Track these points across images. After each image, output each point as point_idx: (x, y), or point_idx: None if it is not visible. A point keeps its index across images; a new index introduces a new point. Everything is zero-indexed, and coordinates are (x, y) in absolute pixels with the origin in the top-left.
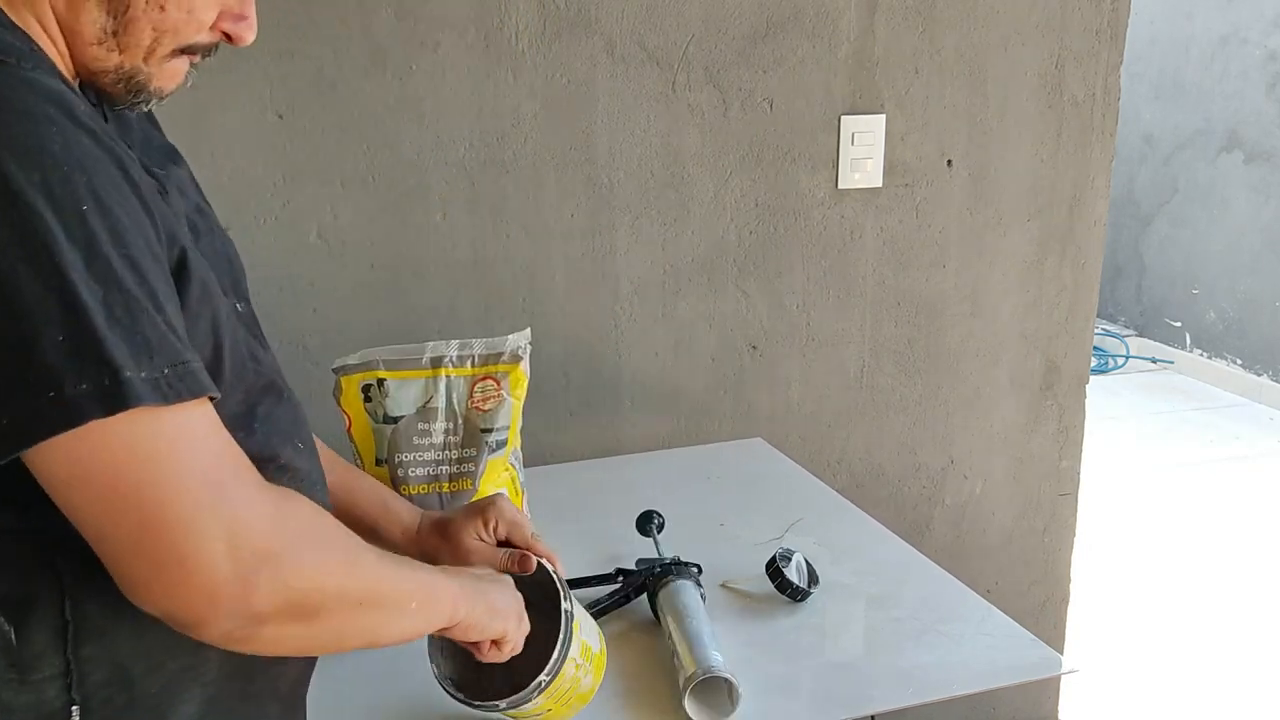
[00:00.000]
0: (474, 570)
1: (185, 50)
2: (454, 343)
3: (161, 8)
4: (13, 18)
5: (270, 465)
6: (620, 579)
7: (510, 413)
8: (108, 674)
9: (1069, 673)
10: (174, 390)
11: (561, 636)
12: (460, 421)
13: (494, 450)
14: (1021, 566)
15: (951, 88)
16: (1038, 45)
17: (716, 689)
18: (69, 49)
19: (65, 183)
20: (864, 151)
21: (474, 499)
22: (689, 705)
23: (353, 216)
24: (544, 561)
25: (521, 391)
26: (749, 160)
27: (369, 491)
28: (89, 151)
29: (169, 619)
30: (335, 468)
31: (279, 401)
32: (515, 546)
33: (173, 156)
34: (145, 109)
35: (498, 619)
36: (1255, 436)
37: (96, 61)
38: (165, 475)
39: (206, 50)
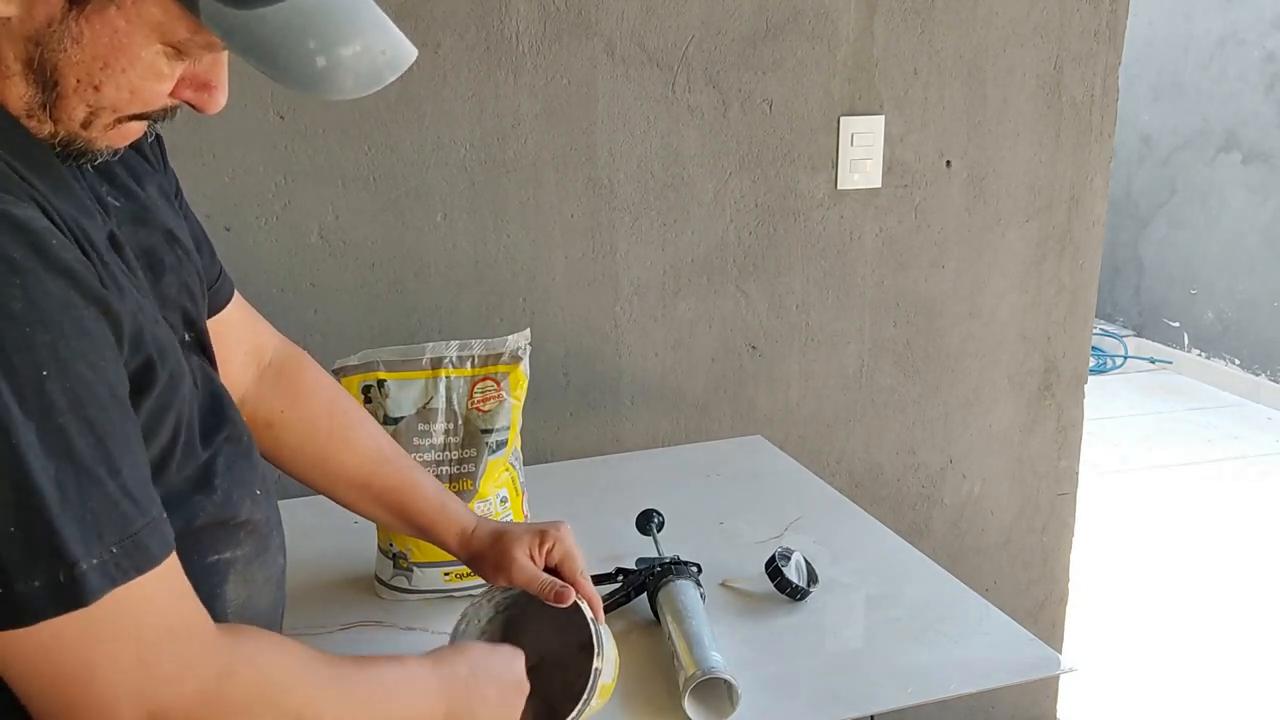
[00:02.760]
0: (471, 655)
1: (135, 118)
2: (454, 343)
3: (96, 88)
4: None
5: (230, 525)
6: (620, 578)
7: (510, 413)
8: None
9: (1067, 672)
10: (121, 570)
11: (585, 695)
12: (460, 422)
13: (494, 451)
14: (1020, 566)
15: (950, 89)
16: (1036, 46)
17: (716, 689)
18: None
19: (25, 348)
20: (863, 152)
21: (475, 498)
22: (689, 706)
23: (353, 217)
24: (583, 606)
25: (521, 392)
26: (749, 161)
27: (428, 493)
28: (56, 301)
29: None
30: (396, 462)
31: (236, 448)
32: (562, 577)
33: (141, 173)
34: (93, 165)
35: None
36: (1253, 436)
37: (30, 129)
38: (94, 659)
39: (163, 115)
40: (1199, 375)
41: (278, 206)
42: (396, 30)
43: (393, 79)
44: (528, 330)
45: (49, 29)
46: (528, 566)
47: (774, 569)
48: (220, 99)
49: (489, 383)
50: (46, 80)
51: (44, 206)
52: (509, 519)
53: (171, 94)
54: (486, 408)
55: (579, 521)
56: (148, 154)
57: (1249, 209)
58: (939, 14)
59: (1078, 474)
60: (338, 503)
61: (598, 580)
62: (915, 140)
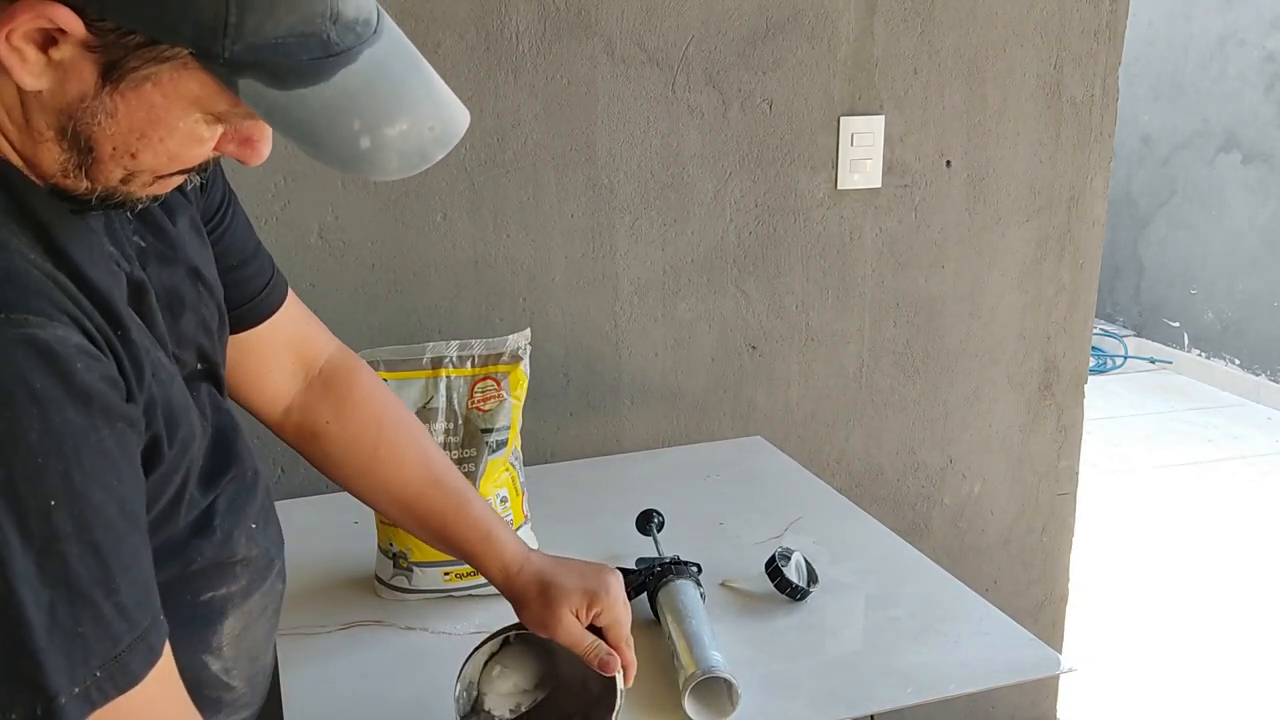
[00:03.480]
0: None
1: (175, 174)
2: (454, 343)
3: (133, 155)
4: None
5: (227, 566)
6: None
7: (510, 413)
8: None
9: (1067, 672)
10: (102, 693)
11: None
12: (460, 422)
13: (494, 450)
14: (1020, 566)
15: (950, 89)
16: (1036, 46)
17: (716, 689)
18: (31, 174)
19: (35, 479)
20: (863, 152)
21: (515, 527)
22: (689, 705)
23: (353, 217)
24: (618, 676)
25: (521, 391)
26: (749, 161)
27: (476, 518)
28: (74, 429)
29: None
30: (444, 484)
31: (240, 486)
32: (605, 639)
33: (174, 207)
34: (132, 213)
35: None
36: (1253, 437)
37: (64, 188)
38: None
39: (203, 169)
40: (1199, 375)
41: (277, 206)
42: (449, 96)
43: (441, 156)
44: (528, 330)
45: (82, 103)
46: (574, 628)
47: (774, 569)
48: (264, 151)
49: (489, 382)
50: (82, 147)
51: (73, 315)
52: (509, 519)
53: (215, 148)
54: (486, 407)
55: (579, 522)
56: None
57: (1249, 209)
58: (939, 14)
59: (1078, 474)
60: (382, 516)
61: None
62: (915, 140)
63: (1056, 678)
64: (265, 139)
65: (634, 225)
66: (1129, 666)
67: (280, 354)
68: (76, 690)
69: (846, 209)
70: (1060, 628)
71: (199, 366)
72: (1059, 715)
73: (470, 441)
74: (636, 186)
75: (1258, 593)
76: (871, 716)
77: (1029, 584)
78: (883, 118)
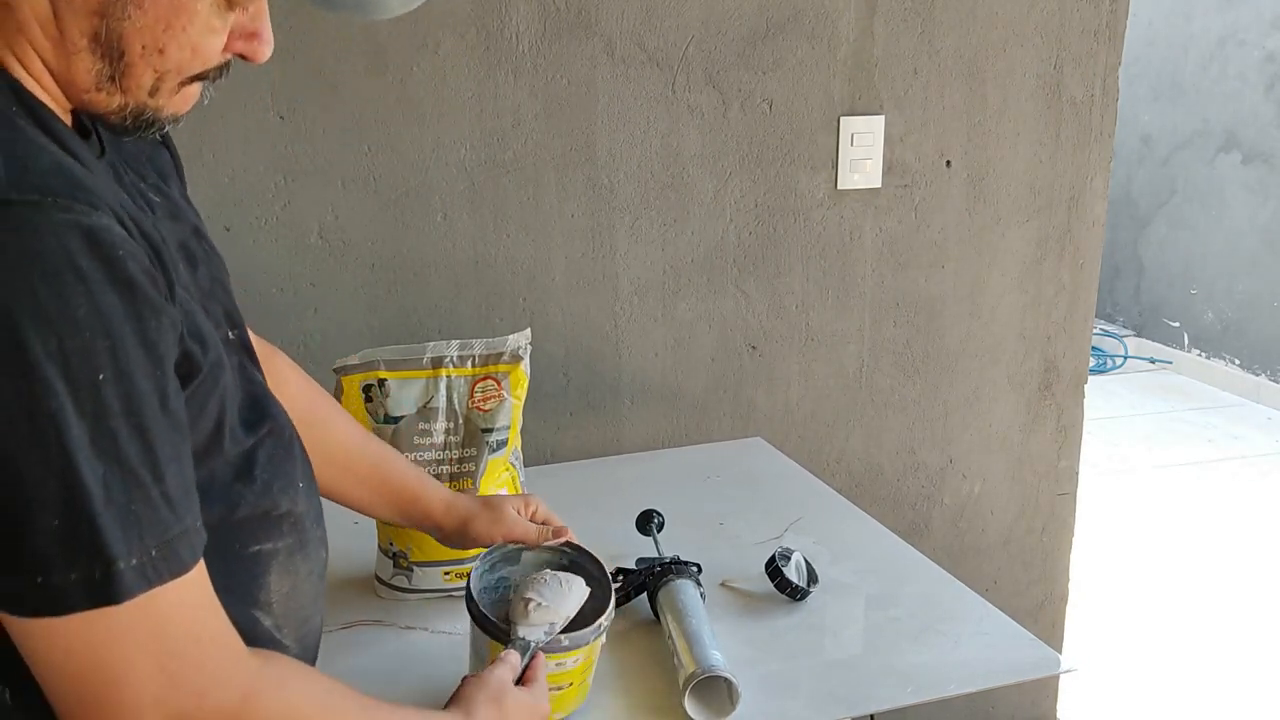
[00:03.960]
0: (504, 704)
1: (195, 79)
2: (454, 343)
3: (161, 51)
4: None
5: (271, 516)
6: (620, 578)
7: (510, 413)
8: None
9: (1067, 672)
10: (157, 572)
11: (613, 601)
12: (461, 421)
13: (494, 450)
14: (1020, 566)
15: (950, 89)
16: (1036, 46)
17: (716, 688)
18: (64, 93)
19: (85, 352)
20: (863, 152)
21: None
22: (689, 704)
23: (353, 217)
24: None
25: (522, 391)
26: (749, 161)
27: (407, 469)
28: (118, 311)
29: None
30: (372, 444)
31: (278, 441)
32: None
33: (165, 169)
34: (158, 136)
35: None
36: (1253, 437)
37: (97, 105)
38: (120, 658)
39: (218, 73)
40: (1199, 375)
41: (278, 206)
42: None
43: None
44: (528, 330)
45: (113, 1)
46: (520, 522)
47: (774, 569)
48: (268, 47)
49: (489, 382)
50: (113, 51)
51: (117, 212)
52: None
53: (225, 49)
54: (487, 407)
55: (579, 522)
56: (174, 153)
57: (1249, 209)
58: (939, 14)
59: (1078, 474)
60: (321, 490)
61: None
62: (915, 140)
63: (1056, 678)
64: (267, 34)
65: (634, 225)
66: (1129, 666)
67: None
68: (134, 561)
69: (846, 209)
70: (1060, 628)
71: (230, 335)
72: (1059, 715)
73: (470, 441)
74: (636, 186)
75: (1258, 593)
76: (871, 716)
77: (1029, 584)
78: (883, 118)
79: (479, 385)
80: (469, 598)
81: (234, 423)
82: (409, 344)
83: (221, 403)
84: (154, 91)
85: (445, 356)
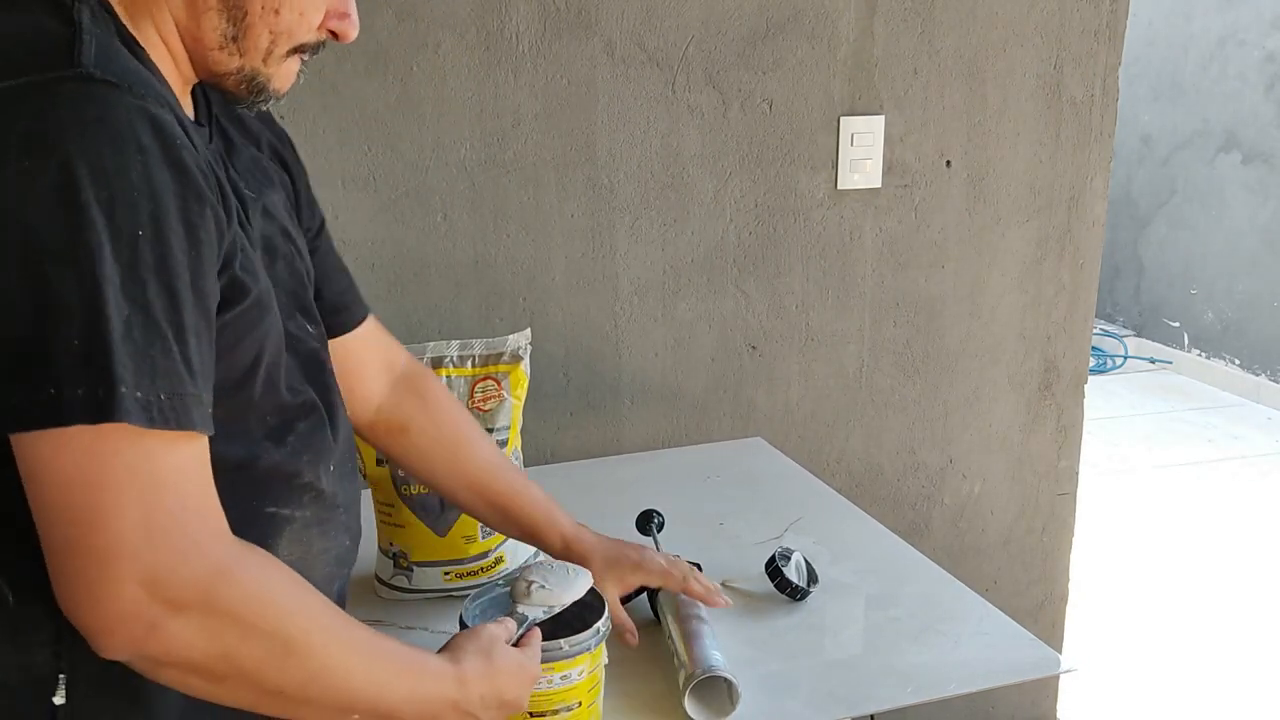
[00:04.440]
0: (494, 659)
1: (298, 49)
2: (454, 343)
3: (276, 12)
4: (133, 31)
5: (293, 483)
6: None
7: (510, 413)
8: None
9: (1067, 672)
10: (162, 416)
11: (608, 612)
12: None
13: None
14: (1020, 566)
15: (950, 89)
16: (1036, 46)
17: (716, 688)
18: (191, 56)
19: (130, 206)
20: (863, 152)
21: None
22: (688, 704)
23: (353, 217)
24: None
25: (522, 391)
26: (749, 161)
27: (537, 494)
28: (167, 186)
29: (76, 626)
30: (510, 471)
31: (321, 425)
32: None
33: (270, 180)
34: (265, 108)
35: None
36: (1253, 436)
37: (219, 65)
38: (107, 503)
39: (315, 49)
40: (1199, 375)
41: None
42: None
43: None
44: (528, 330)
45: None
46: (615, 603)
47: (774, 569)
48: (355, 28)
49: (489, 382)
50: (236, 11)
51: (188, 127)
52: None
53: (320, 25)
54: (487, 407)
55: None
56: (286, 157)
57: (1249, 209)
58: (939, 14)
59: (1078, 474)
60: (451, 501)
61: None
62: (915, 140)
63: (1056, 678)
64: (355, 15)
65: (634, 225)
66: (1129, 666)
67: (370, 358)
68: (139, 394)
69: (846, 209)
70: (1060, 628)
71: (309, 329)
72: (1059, 715)
73: None
74: (636, 186)
75: (1258, 592)
76: (871, 716)
77: (1029, 584)
78: (883, 118)
79: (479, 385)
80: (463, 626)
81: (276, 371)
82: (409, 344)
83: (260, 345)
84: (267, 56)
85: (445, 356)
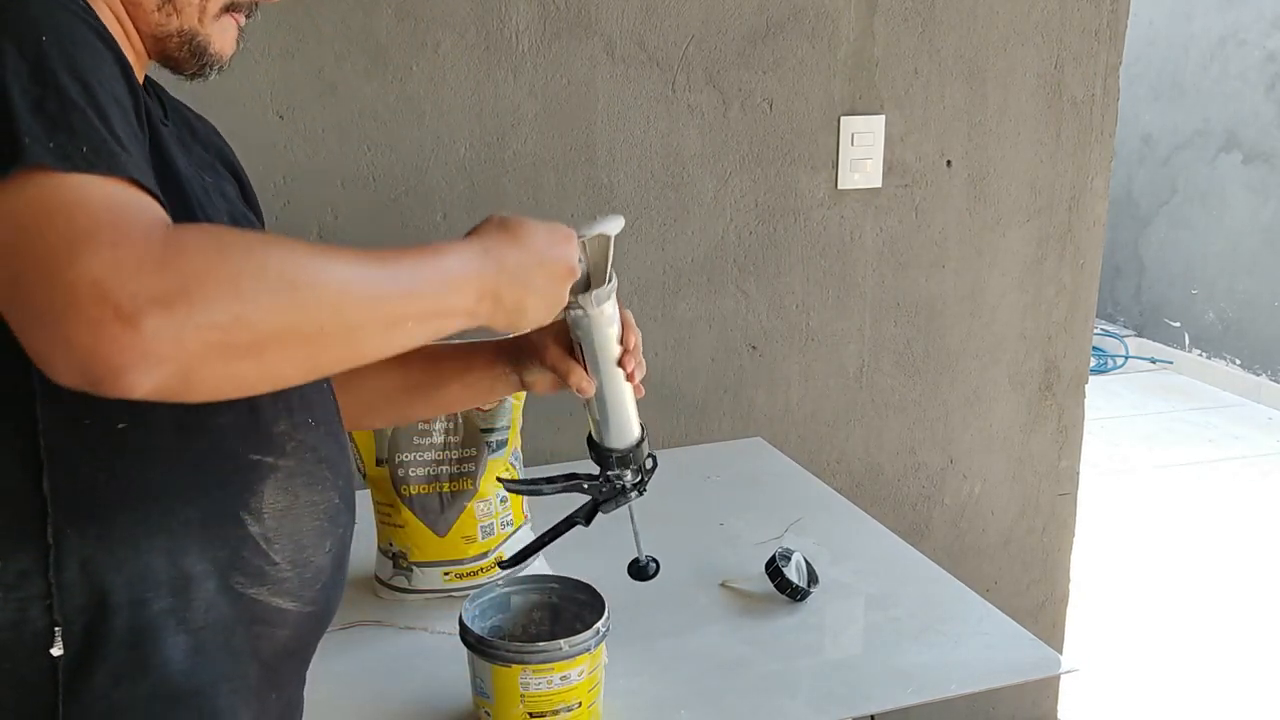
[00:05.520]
0: (521, 235)
1: (229, 8)
2: (454, 343)
3: None
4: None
5: (272, 433)
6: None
7: (510, 413)
8: (87, 601)
9: (1068, 672)
10: (86, 161)
11: (608, 611)
12: (460, 422)
13: (494, 450)
14: (1020, 566)
15: (951, 88)
16: (1037, 46)
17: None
18: (136, 24)
19: (30, 25)
20: (863, 152)
21: (475, 498)
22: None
23: (353, 217)
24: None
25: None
26: (749, 161)
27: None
28: (79, 25)
29: (83, 379)
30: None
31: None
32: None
33: (223, 176)
34: (213, 75)
35: (535, 292)
36: (1253, 436)
37: (159, 28)
38: (43, 227)
39: (248, 9)
40: (1200, 375)
41: (277, 206)
42: None
43: None
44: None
45: None
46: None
47: (774, 569)
48: None
49: None
50: None
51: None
52: (509, 519)
53: None
54: (487, 407)
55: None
56: (235, 165)
57: (1249, 209)
58: (939, 14)
59: (1078, 474)
60: (395, 407)
61: (547, 483)
62: (915, 140)
63: (1057, 678)
64: None
65: (634, 225)
66: (1129, 666)
67: None
68: (51, 145)
69: (847, 209)
70: (1060, 628)
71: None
72: (1059, 715)
73: (470, 441)
74: (636, 186)
75: (1258, 592)
76: (872, 716)
77: (1029, 584)
78: (883, 117)
79: None
80: (463, 627)
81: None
82: None
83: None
84: (201, 14)
85: None
